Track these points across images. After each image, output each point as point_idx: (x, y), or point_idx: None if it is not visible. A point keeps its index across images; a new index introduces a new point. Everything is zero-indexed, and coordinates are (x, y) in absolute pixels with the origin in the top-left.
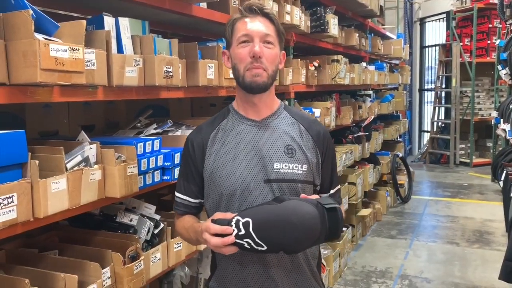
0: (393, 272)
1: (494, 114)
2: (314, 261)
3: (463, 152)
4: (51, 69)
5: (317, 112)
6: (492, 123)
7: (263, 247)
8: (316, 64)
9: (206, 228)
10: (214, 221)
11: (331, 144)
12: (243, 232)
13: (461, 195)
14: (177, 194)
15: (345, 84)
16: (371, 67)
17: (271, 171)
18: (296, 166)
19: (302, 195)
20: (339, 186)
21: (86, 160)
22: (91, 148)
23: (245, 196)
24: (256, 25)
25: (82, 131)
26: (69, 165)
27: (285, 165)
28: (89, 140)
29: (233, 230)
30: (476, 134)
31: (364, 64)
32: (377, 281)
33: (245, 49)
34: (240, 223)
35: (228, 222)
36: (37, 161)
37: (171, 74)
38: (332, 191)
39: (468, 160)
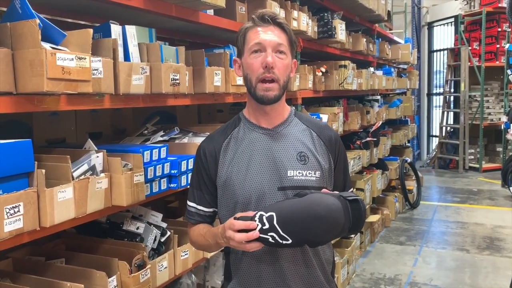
0: (402, 279)
1: (504, 118)
2: (329, 267)
3: (472, 157)
4: (57, 78)
5: (324, 118)
6: (502, 128)
7: (287, 240)
8: (324, 70)
9: (230, 225)
10: (237, 219)
11: (343, 148)
12: (267, 226)
13: (470, 200)
14: (189, 203)
15: (352, 89)
16: (379, 72)
17: (285, 178)
18: (309, 173)
19: (324, 190)
20: (352, 189)
21: (92, 169)
22: (97, 157)
23: (260, 204)
24: (268, 35)
25: (89, 139)
26: (75, 174)
27: (299, 172)
28: (96, 149)
29: (257, 225)
30: (486, 139)
31: (371, 69)
32: None
33: (258, 60)
34: (264, 218)
35: (251, 218)
36: (43, 170)
37: (178, 81)
38: None
39: (477, 165)
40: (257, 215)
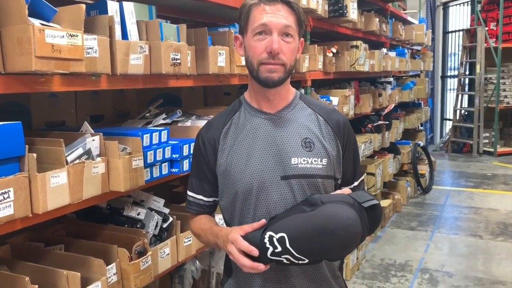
0: (413, 266)
1: None
2: (336, 262)
3: (487, 141)
4: (47, 56)
5: (335, 100)
6: None
7: (304, 260)
8: (334, 50)
9: (233, 240)
10: (245, 237)
11: (352, 133)
12: (279, 249)
13: (484, 185)
14: (189, 193)
15: (364, 71)
16: (392, 53)
17: (288, 166)
18: (315, 161)
19: (337, 192)
20: (363, 177)
21: (88, 153)
22: (93, 140)
23: (262, 194)
24: (275, 16)
25: (86, 122)
26: (69, 158)
27: (303, 160)
28: (92, 131)
29: (268, 248)
30: (501, 122)
31: (384, 50)
32: (396, 275)
33: (262, 43)
34: (275, 240)
35: (260, 239)
36: (35, 154)
37: (179, 61)
38: (355, 183)
39: (492, 149)
40: (267, 236)
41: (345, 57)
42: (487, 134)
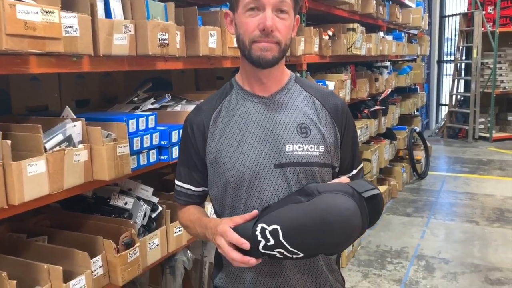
0: (409, 252)
1: None
2: (334, 255)
3: (482, 126)
4: (19, 34)
5: (331, 85)
6: None
7: (298, 254)
8: (331, 33)
9: (223, 232)
10: (235, 228)
11: (351, 118)
12: (272, 242)
13: (480, 171)
14: (177, 182)
15: (361, 54)
16: (389, 37)
17: (283, 154)
18: (311, 147)
19: (335, 181)
20: (361, 165)
21: (69, 139)
22: (74, 126)
23: (254, 184)
24: None
25: (67, 106)
26: (48, 145)
27: (299, 147)
28: (74, 116)
29: (260, 241)
30: (497, 108)
31: (381, 33)
32: (392, 262)
33: (254, 19)
34: (267, 232)
35: (251, 231)
36: (9, 141)
37: (166, 42)
38: (354, 171)
39: (487, 135)
40: (258, 228)
41: (341, 40)
42: (483, 120)
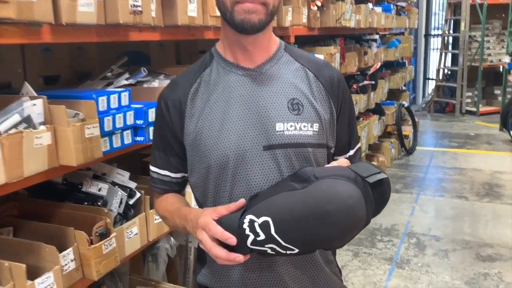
0: (399, 230)
1: (506, 59)
2: None
3: (469, 100)
4: None
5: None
6: (501, 70)
7: (293, 250)
8: (319, 4)
9: (205, 225)
10: (219, 221)
11: (347, 92)
12: (262, 237)
13: (468, 145)
14: (152, 168)
15: (350, 27)
16: (378, 9)
17: (273, 134)
18: (304, 126)
19: (333, 163)
20: (359, 145)
21: (27, 120)
22: (34, 105)
23: (240, 169)
24: None
25: (26, 82)
26: (2, 127)
27: (290, 125)
28: (35, 94)
29: (248, 235)
30: (484, 82)
31: (370, 5)
32: (383, 240)
33: None
34: (256, 225)
35: (238, 224)
36: None
37: (139, 9)
38: (351, 152)
39: (474, 109)
40: (246, 220)
41: (330, 11)
42: (470, 94)
